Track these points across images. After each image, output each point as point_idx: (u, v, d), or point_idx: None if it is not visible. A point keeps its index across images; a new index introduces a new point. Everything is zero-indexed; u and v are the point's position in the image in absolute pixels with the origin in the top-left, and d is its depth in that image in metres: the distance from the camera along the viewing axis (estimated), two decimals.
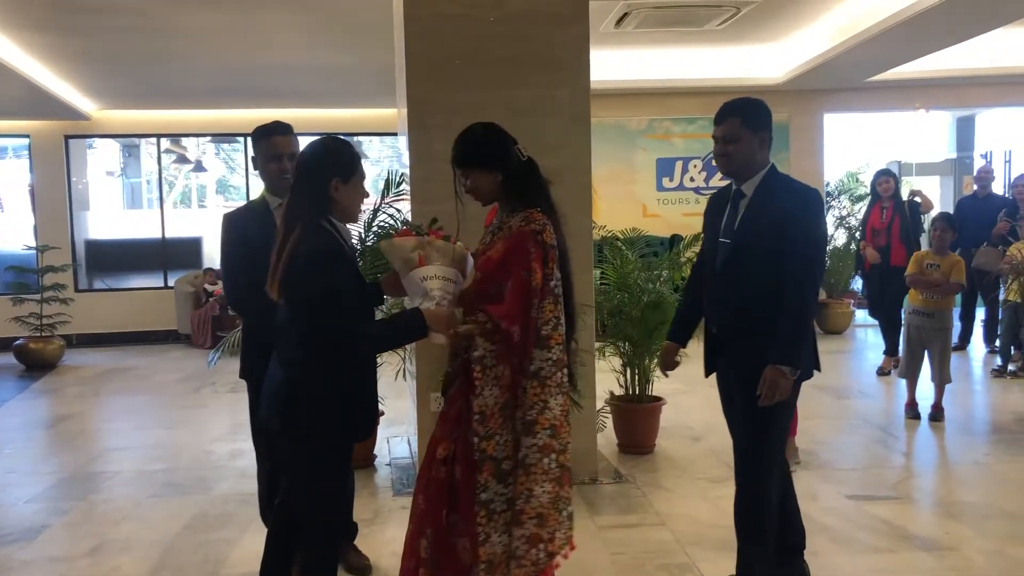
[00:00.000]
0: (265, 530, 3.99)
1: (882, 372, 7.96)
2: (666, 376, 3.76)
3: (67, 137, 11.52)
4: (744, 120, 3.19)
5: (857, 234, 11.60)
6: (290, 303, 2.78)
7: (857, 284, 11.38)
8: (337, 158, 2.82)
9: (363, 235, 5.26)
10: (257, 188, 12.86)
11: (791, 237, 3.09)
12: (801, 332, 3.14)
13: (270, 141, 3.62)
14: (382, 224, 5.39)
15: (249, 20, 7.32)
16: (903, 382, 6.60)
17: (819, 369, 3.43)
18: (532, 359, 2.78)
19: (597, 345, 5.36)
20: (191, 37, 7.82)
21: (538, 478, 2.76)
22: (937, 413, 6.24)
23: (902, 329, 6.66)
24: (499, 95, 4.86)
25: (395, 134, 11.88)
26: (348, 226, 3.12)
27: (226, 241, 3.69)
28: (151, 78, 9.58)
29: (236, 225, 3.67)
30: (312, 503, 2.89)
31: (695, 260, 3.68)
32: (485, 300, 2.85)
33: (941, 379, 6.24)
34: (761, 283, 3.15)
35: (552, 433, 2.78)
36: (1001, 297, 8.03)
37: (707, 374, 3.50)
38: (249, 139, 11.99)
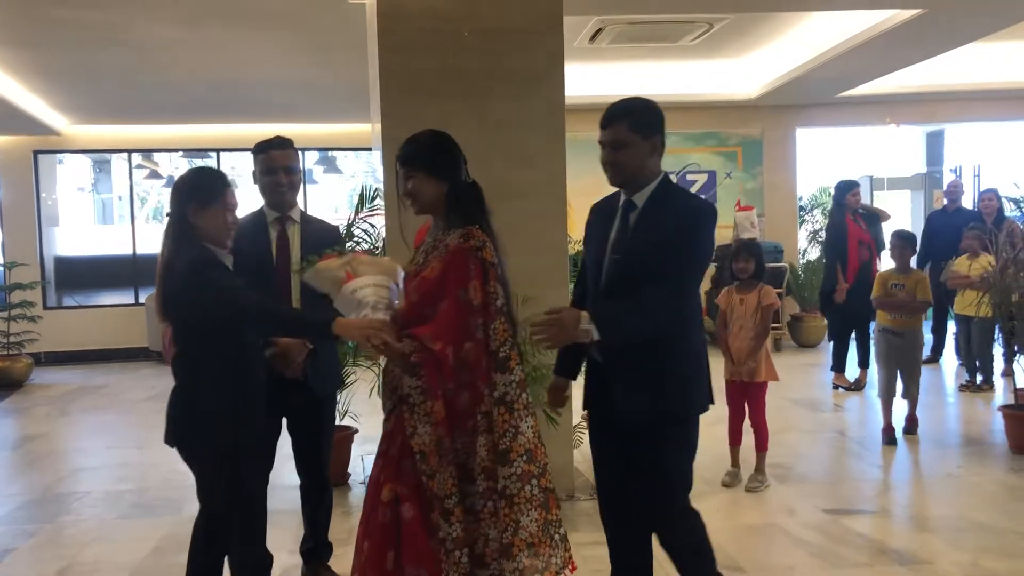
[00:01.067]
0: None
1: (858, 387, 7.94)
2: (557, 415, 3.39)
3: (36, 152, 11.38)
4: (632, 124, 2.84)
5: (818, 246, 11.70)
6: (176, 314, 2.92)
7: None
8: (193, 185, 2.99)
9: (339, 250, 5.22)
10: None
11: (676, 247, 2.78)
12: (633, 323, 2.78)
13: (267, 155, 3.64)
14: (357, 239, 5.36)
15: (221, 35, 7.27)
16: (877, 396, 6.48)
17: (712, 402, 3.03)
18: (495, 384, 2.70)
19: None
20: (163, 52, 7.75)
21: (523, 507, 2.68)
22: (911, 426, 6.23)
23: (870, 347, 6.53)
24: (473, 109, 4.86)
25: (370, 149, 11.85)
26: None
27: None
28: (122, 93, 9.48)
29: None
30: (226, 512, 3.01)
31: (577, 277, 3.25)
32: (420, 322, 2.72)
33: (912, 395, 6.18)
34: None
35: (528, 458, 2.71)
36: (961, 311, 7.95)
37: (585, 405, 3.12)
38: (222, 154, 11.87)
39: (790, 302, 11.16)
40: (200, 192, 2.96)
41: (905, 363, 6.12)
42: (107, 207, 17.89)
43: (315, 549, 3.94)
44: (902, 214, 13.65)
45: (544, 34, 4.99)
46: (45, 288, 11.29)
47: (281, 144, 3.65)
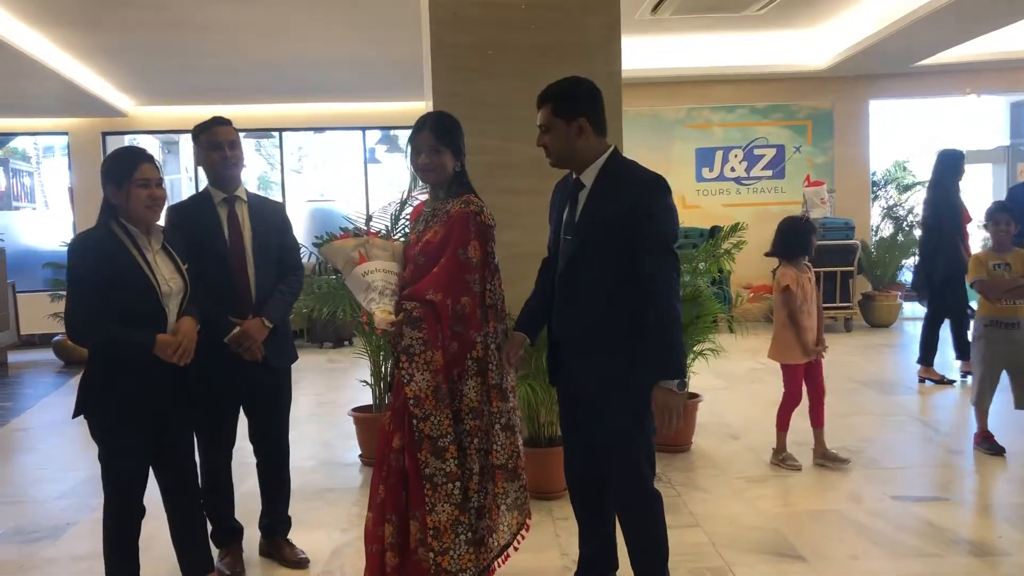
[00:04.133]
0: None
1: (950, 380, 7.19)
2: (513, 371, 3.30)
3: (104, 134, 11.67)
4: (554, 108, 2.94)
5: (891, 222, 11.28)
6: None
7: (905, 276, 11.11)
8: (109, 166, 3.11)
9: (390, 228, 5.21)
10: (296, 186, 12.90)
11: (645, 232, 2.77)
12: (675, 337, 2.77)
13: (210, 132, 3.64)
14: (407, 217, 5.33)
15: (280, 14, 7.31)
16: (971, 403, 5.49)
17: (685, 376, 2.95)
18: (496, 333, 3.09)
19: None
20: (223, 32, 7.84)
21: (518, 436, 3.14)
22: (994, 445, 5.24)
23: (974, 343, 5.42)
24: (526, 85, 4.72)
25: None
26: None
27: (166, 231, 3.65)
28: (185, 73, 9.64)
29: (178, 218, 3.65)
30: (103, 479, 3.17)
31: (542, 263, 3.29)
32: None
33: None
34: (606, 289, 2.86)
35: (514, 394, 3.19)
36: None
37: (552, 382, 3.23)
38: (284, 133, 11.99)
39: (861, 280, 10.83)
40: (115, 172, 3.07)
41: (1019, 362, 5.16)
42: (175, 188, 18.27)
43: (273, 524, 3.99)
44: (983, 189, 13.13)
45: (600, 6, 4.87)
46: None
47: (222, 121, 3.68)
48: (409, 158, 3.22)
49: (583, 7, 4.86)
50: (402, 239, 4.05)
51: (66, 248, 3.10)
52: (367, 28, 7.76)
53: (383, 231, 3.16)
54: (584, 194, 2.96)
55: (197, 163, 3.76)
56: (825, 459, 5.06)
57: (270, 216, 3.77)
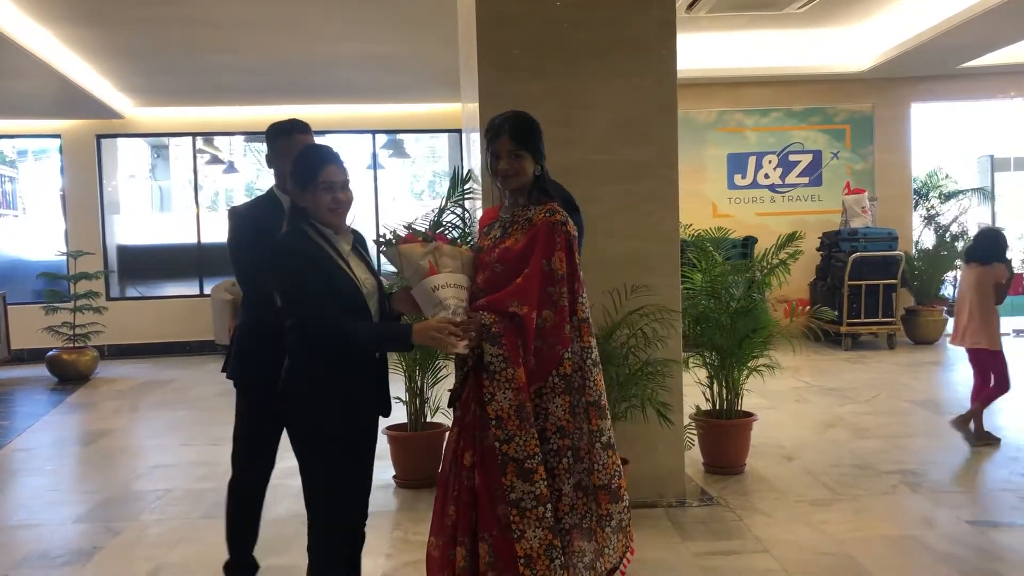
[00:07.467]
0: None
1: None
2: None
3: (99, 136, 11.73)
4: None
5: (935, 232, 11.27)
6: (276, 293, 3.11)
7: (948, 290, 11.15)
8: (295, 167, 3.15)
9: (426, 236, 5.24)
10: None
11: None
12: None
13: (291, 139, 3.62)
14: (447, 225, 5.38)
15: (298, 9, 7.37)
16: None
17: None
18: (591, 348, 3.10)
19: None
20: (237, 28, 7.90)
21: (617, 456, 3.14)
22: None
23: None
24: (579, 85, 4.84)
25: (454, 130, 11.87)
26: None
27: (238, 231, 3.68)
28: (191, 73, 9.70)
29: (247, 215, 3.70)
30: (312, 498, 3.14)
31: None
32: (499, 290, 3.06)
33: None
34: None
35: (609, 411, 3.19)
36: None
37: None
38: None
39: (904, 295, 10.87)
40: (300, 174, 3.10)
41: None
42: (166, 194, 18.29)
43: None
44: None
45: (654, 2, 4.94)
46: (108, 278, 11.62)
47: (303, 128, 3.67)
48: (488, 164, 3.23)
49: (636, 4, 4.93)
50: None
51: (274, 255, 3.05)
52: (391, 24, 7.82)
53: (435, 232, 3.12)
54: None
55: (270, 164, 3.76)
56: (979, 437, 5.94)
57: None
